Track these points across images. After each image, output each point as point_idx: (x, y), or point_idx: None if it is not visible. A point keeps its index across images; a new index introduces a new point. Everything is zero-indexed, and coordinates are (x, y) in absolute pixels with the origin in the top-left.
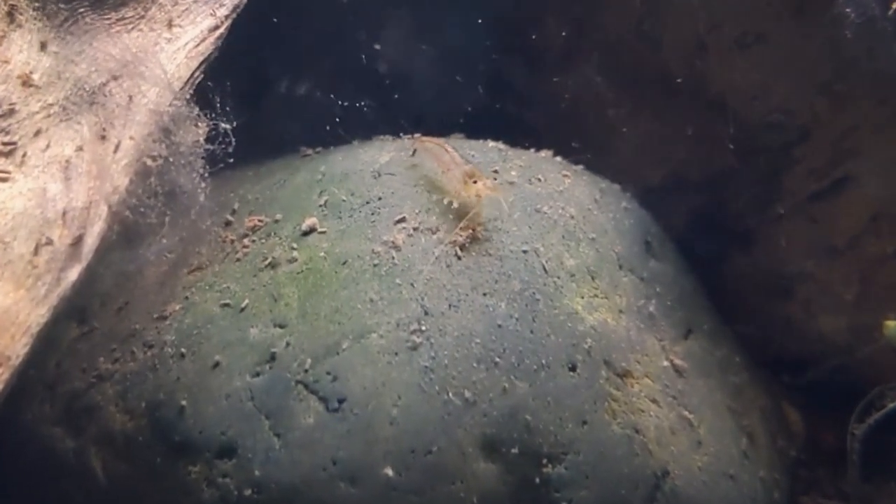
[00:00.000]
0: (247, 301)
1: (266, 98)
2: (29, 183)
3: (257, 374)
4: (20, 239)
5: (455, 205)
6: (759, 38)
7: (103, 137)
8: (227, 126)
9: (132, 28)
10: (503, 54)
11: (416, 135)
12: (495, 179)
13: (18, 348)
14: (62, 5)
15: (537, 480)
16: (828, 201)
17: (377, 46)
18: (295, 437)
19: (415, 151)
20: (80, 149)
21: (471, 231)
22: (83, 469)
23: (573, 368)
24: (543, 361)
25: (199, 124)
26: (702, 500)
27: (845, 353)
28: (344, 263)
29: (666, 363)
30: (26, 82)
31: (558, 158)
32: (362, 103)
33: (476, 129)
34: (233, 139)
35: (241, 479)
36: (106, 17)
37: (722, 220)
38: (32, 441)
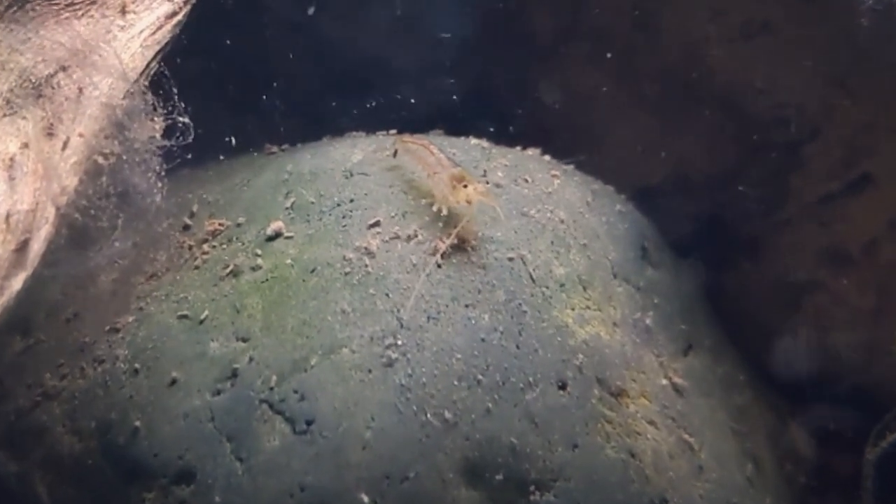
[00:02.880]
0: (206, 312)
1: (228, 90)
2: None
3: (218, 393)
4: None
5: (444, 212)
6: (765, 27)
7: (51, 133)
8: (186, 121)
9: (82, 14)
10: (487, 43)
11: (393, 131)
12: (487, 183)
13: None
14: None
15: None
16: (841, 204)
17: (352, 33)
18: (259, 462)
19: (396, 152)
20: (25, 146)
21: (461, 241)
22: (27, 495)
23: (563, 387)
24: (531, 379)
25: (156, 119)
26: None
27: (860, 371)
28: (312, 271)
29: (664, 381)
30: None
31: (547, 157)
32: (335, 95)
33: (457, 124)
34: (192, 135)
35: None
36: (54, 2)
37: (725, 224)
38: None
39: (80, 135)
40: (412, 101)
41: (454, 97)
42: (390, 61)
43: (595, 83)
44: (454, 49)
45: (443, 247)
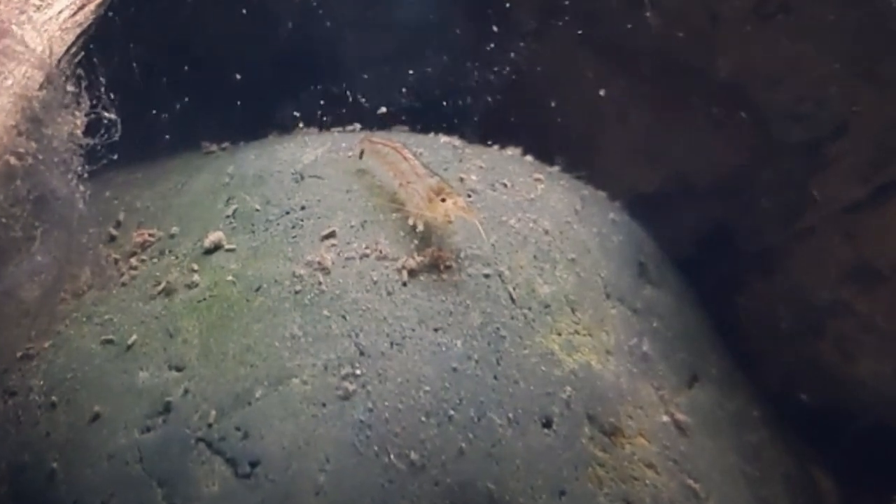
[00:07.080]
0: (135, 337)
1: (160, 79)
2: None
3: (148, 430)
4: None
5: (420, 227)
6: (783, 7)
7: None
8: (112, 115)
9: None
10: (459, 24)
11: (350, 128)
12: (469, 197)
13: None
14: None
15: None
16: (869, 213)
17: (304, 12)
18: None
19: (361, 153)
20: None
21: (434, 261)
22: None
23: (548, 424)
24: (510, 415)
25: (77, 113)
26: None
27: (890, 405)
28: (257, 290)
29: (665, 418)
30: None
31: (529, 158)
32: (283, 85)
33: (426, 118)
34: (118, 131)
35: None
36: None
37: (734, 236)
38: None
39: None
40: (372, 91)
41: (422, 86)
42: (347, 43)
43: (583, 72)
44: (422, 31)
45: (413, 265)
